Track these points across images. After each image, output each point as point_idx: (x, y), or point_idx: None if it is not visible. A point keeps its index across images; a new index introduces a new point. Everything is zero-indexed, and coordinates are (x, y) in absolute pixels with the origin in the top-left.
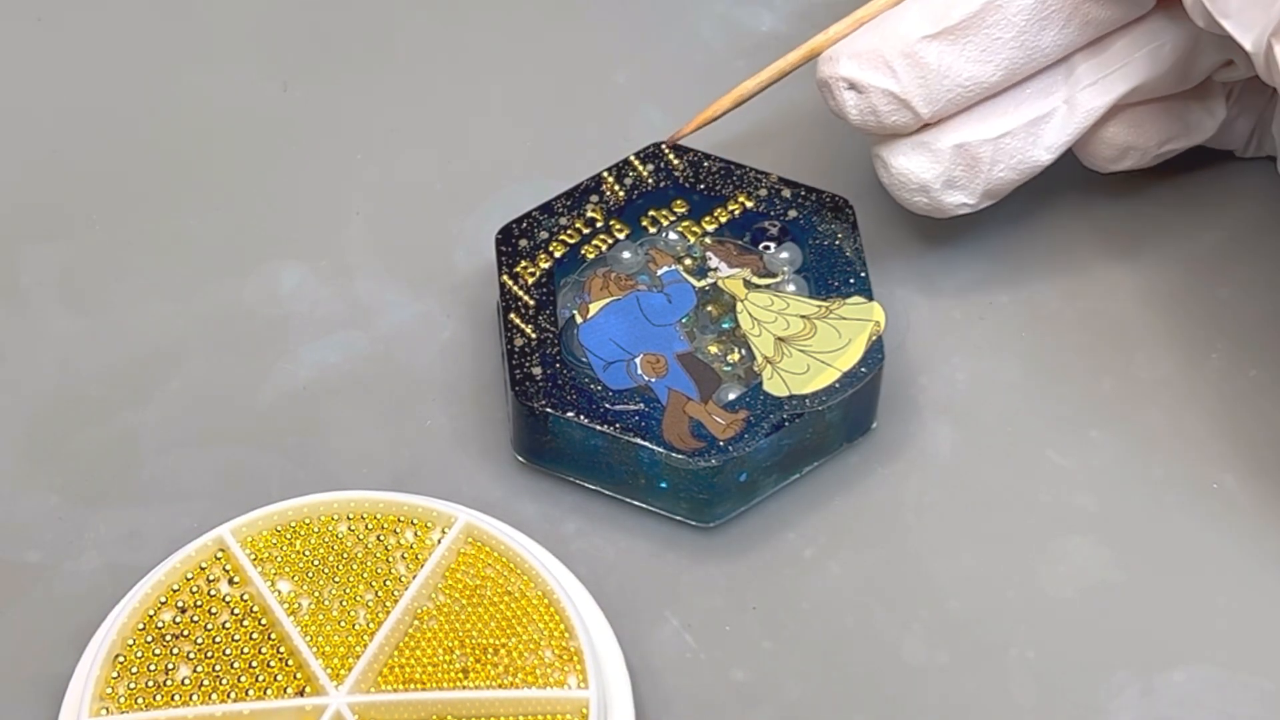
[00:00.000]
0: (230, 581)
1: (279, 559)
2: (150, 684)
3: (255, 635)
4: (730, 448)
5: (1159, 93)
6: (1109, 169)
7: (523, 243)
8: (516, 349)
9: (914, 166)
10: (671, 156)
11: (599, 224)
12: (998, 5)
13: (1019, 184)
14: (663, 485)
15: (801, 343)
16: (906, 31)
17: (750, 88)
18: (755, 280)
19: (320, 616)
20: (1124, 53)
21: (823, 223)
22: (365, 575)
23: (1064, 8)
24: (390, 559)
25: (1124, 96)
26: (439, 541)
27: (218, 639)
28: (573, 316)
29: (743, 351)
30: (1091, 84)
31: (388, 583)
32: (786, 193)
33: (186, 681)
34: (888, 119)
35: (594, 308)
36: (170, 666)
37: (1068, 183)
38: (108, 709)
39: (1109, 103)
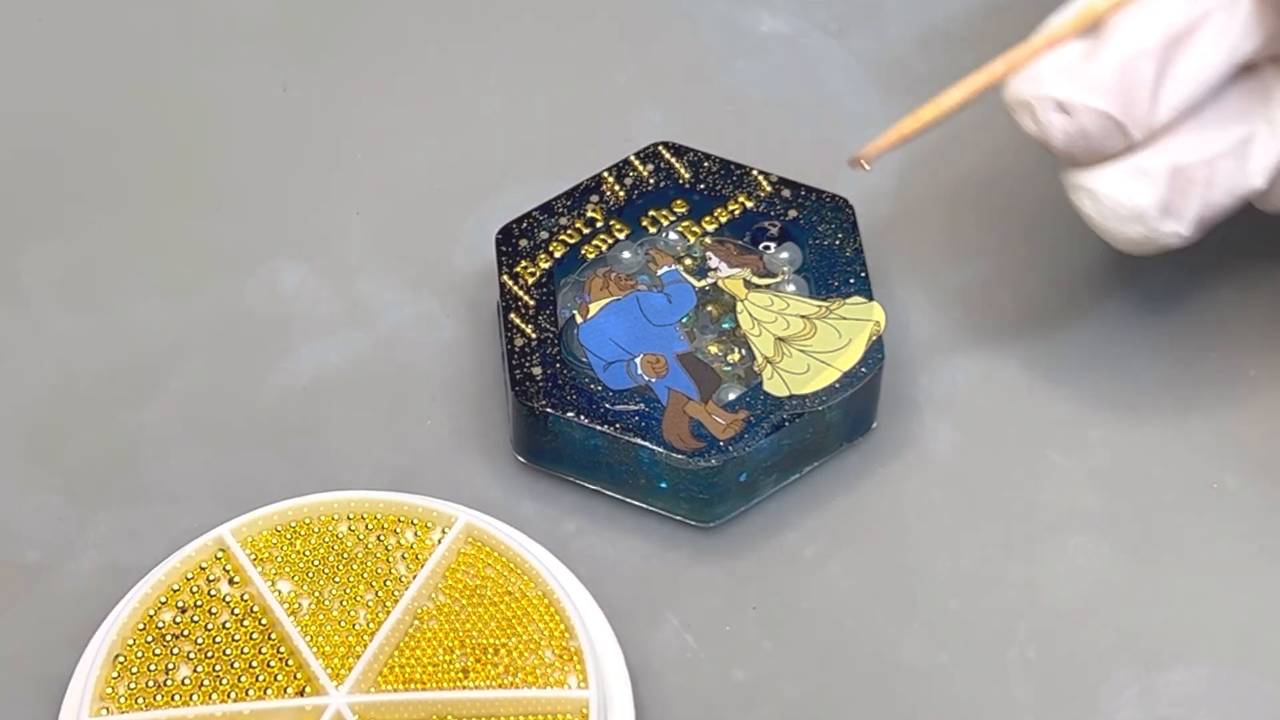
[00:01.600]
0: (230, 581)
1: (279, 559)
2: (150, 684)
3: (255, 635)
4: (730, 448)
5: None
6: None
7: (523, 243)
8: (516, 349)
9: (1129, 193)
10: (671, 156)
11: (599, 224)
12: (1206, 17)
13: (1230, 212)
14: (663, 485)
15: (801, 343)
16: (1119, 48)
17: (947, 105)
18: (755, 280)
19: (320, 616)
20: None
21: (823, 223)
22: (365, 575)
23: (1261, 17)
24: (390, 559)
25: None
26: (439, 541)
27: (218, 639)
28: (573, 316)
29: (743, 351)
30: None
31: (388, 583)
32: (786, 193)
33: (186, 681)
34: (1097, 142)
35: (594, 308)
36: (170, 666)
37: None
38: (108, 709)
39: None
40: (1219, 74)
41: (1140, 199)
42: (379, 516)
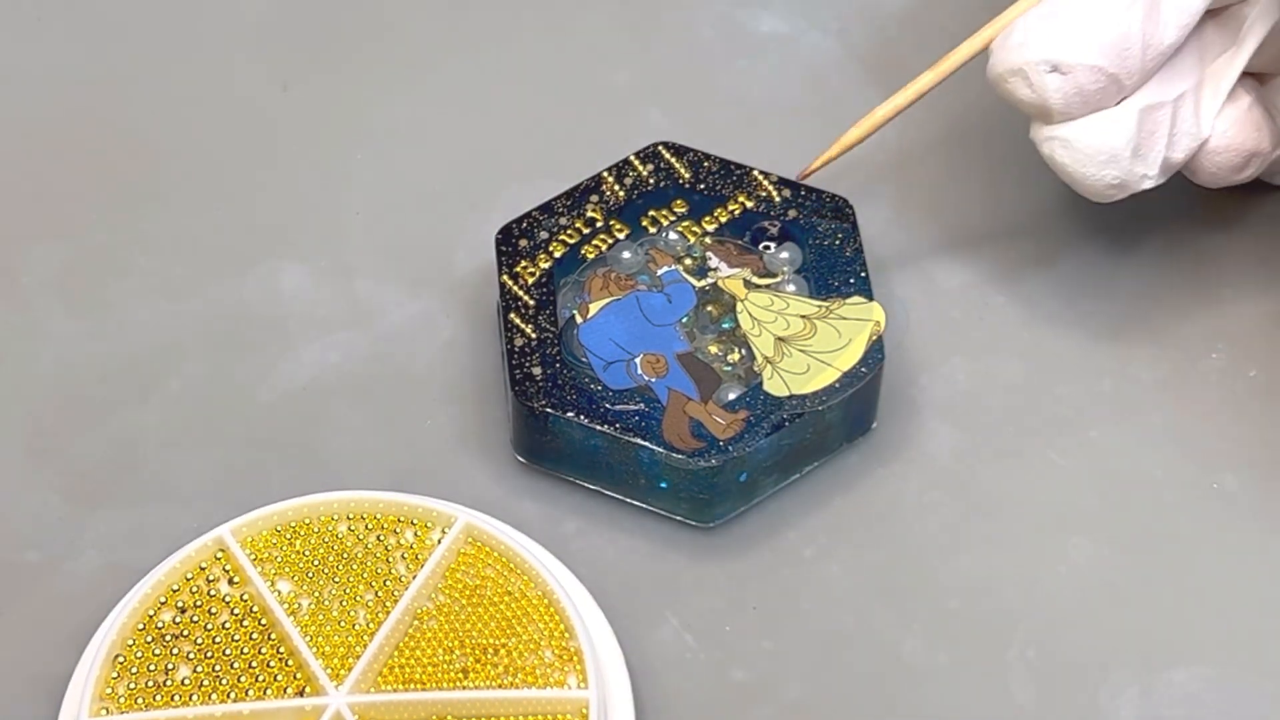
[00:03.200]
0: (230, 581)
1: (279, 559)
2: (150, 684)
3: (255, 635)
4: (730, 448)
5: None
6: (1233, 179)
7: (523, 243)
8: (516, 349)
9: (1104, 136)
10: (671, 157)
11: (599, 224)
12: None
13: (1183, 162)
14: (663, 485)
15: (801, 343)
16: (1104, 2)
17: (902, 102)
18: (755, 280)
19: (320, 616)
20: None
21: (823, 223)
22: (365, 575)
23: None
24: (390, 559)
25: (1250, 60)
26: (439, 541)
27: (218, 639)
28: (573, 316)
29: (743, 351)
30: (1222, 51)
31: (388, 583)
32: (786, 193)
33: (186, 681)
34: (1094, 97)
35: (594, 308)
36: (170, 666)
37: (1066, 184)
38: (108, 709)
39: (1240, 66)
40: (1197, 15)
41: (1114, 140)
42: (379, 516)
